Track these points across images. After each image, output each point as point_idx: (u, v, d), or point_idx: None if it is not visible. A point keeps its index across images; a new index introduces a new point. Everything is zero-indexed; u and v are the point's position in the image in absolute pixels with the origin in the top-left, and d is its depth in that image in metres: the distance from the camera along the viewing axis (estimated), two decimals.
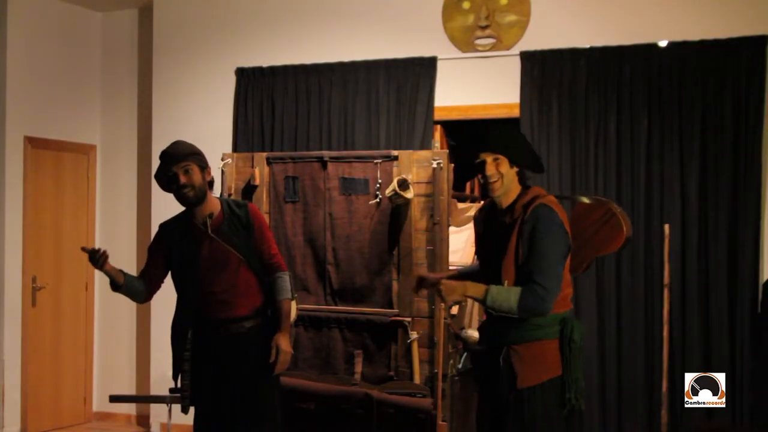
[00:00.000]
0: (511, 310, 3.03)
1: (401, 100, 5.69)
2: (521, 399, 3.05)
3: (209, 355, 3.64)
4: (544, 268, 3.02)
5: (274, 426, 3.71)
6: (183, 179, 3.57)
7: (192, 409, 3.79)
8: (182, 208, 3.73)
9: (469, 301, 4.52)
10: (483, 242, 3.31)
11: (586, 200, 3.45)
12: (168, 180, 3.62)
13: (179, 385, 3.73)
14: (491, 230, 3.24)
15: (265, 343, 3.63)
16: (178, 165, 3.59)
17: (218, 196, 3.86)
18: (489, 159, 3.11)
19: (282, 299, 3.66)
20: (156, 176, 3.70)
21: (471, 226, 4.86)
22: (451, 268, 4.32)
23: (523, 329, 3.08)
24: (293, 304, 3.92)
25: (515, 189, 3.18)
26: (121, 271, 3.73)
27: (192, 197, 3.61)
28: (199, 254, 3.61)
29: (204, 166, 3.67)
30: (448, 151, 4.38)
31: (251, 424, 3.64)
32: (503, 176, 3.12)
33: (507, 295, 3.03)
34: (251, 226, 3.65)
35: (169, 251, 3.70)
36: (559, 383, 3.07)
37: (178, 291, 3.75)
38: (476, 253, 3.35)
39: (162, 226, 3.80)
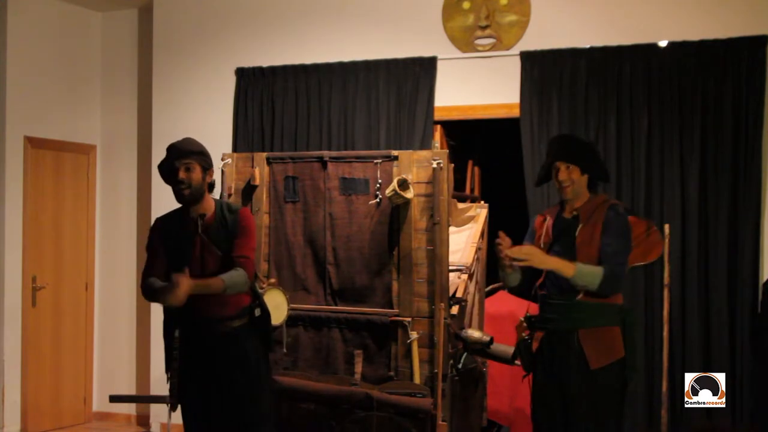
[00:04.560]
0: (593, 284, 3.53)
1: (401, 100, 5.69)
2: (592, 379, 3.52)
3: (197, 354, 3.65)
4: (619, 254, 3.58)
5: (268, 428, 3.71)
6: (182, 175, 3.60)
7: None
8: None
9: (469, 301, 4.53)
10: (551, 238, 3.77)
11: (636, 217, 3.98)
12: (169, 172, 3.65)
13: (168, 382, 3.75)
14: (557, 228, 3.76)
15: (251, 343, 3.69)
16: (181, 160, 3.62)
17: (217, 198, 3.88)
18: (563, 167, 3.69)
19: (221, 277, 3.54)
20: (159, 166, 3.72)
21: (471, 226, 4.87)
22: (451, 268, 4.32)
23: (589, 315, 3.58)
24: (277, 294, 4.06)
25: (584, 195, 3.72)
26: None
27: (187, 195, 3.63)
28: (190, 252, 3.63)
29: (207, 167, 3.69)
30: (448, 151, 4.38)
31: (241, 426, 3.64)
32: (574, 182, 3.68)
33: (591, 270, 3.54)
34: (236, 230, 3.65)
35: (166, 246, 3.71)
36: (622, 365, 3.55)
37: None
38: (544, 247, 3.79)
39: (159, 220, 3.82)
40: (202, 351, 3.65)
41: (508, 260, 3.70)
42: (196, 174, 3.63)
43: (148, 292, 3.62)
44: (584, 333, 3.56)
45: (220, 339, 3.65)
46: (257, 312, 3.74)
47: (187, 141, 3.73)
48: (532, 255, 3.63)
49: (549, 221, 3.84)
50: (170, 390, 3.72)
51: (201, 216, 3.67)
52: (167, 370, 3.74)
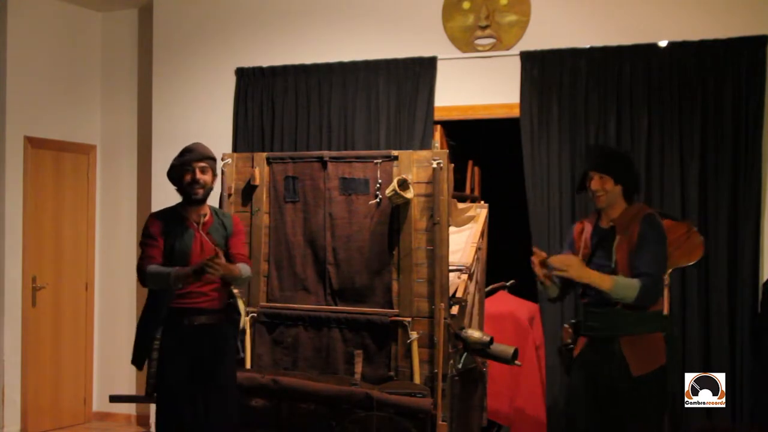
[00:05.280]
0: (630, 298, 3.57)
1: (401, 100, 5.69)
2: (634, 386, 3.57)
3: (186, 344, 3.89)
4: (655, 265, 3.61)
5: (236, 416, 4.01)
6: (200, 176, 3.92)
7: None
8: None
9: (469, 301, 4.53)
10: (590, 250, 3.81)
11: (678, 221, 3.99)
12: (184, 172, 3.91)
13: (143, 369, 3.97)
14: (595, 239, 3.79)
15: (232, 337, 4.05)
16: (198, 162, 3.93)
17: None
18: (596, 176, 3.74)
19: (238, 266, 3.92)
20: (173, 166, 3.96)
21: (471, 226, 4.86)
22: (451, 268, 4.32)
23: (632, 323, 3.63)
24: (241, 303, 4.25)
25: (620, 204, 3.75)
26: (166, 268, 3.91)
27: (201, 195, 3.96)
28: (191, 248, 3.91)
29: (215, 173, 4.05)
30: (448, 151, 4.38)
31: (221, 415, 3.90)
32: (607, 192, 3.72)
33: (628, 284, 3.57)
34: (231, 233, 4.06)
35: (165, 239, 3.93)
36: (664, 372, 3.61)
37: None
38: (583, 255, 3.84)
39: (156, 216, 4.03)
40: (192, 342, 3.89)
41: (543, 274, 3.80)
42: (209, 177, 3.97)
43: (157, 276, 3.82)
44: (626, 340, 3.62)
45: (208, 331, 3.93)
46: (239, 308, 4.15)
47: (202, 145, 4.02)
48: (570, 266, 3.67)
49: (587, 231, 3.88)
50: (148, 378, 3.94)
51: (203, 216, 3.99)
52: (141, 360, 3.96)
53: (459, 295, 4.33)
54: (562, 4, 5.44)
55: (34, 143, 6.39)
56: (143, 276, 3.90)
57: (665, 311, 3.75)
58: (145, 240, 3.96)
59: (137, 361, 4.02)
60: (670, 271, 3.85)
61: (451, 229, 4.38)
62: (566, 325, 3.94)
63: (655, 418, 3.65)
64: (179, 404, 3.87)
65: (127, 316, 6.79)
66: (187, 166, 3.92)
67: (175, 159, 3.98)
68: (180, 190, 3.99)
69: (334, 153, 4.48)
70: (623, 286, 3.59)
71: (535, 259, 3.82)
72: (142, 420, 6.69)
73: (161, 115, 6.50)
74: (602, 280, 3.62)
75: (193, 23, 6.44)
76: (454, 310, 4.22)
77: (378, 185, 4.25)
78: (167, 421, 3.93)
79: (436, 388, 4.02)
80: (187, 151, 3.97)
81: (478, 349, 4.26)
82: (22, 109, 6.31)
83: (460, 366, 4.24)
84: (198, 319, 3.91)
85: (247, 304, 4.42)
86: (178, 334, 3.89)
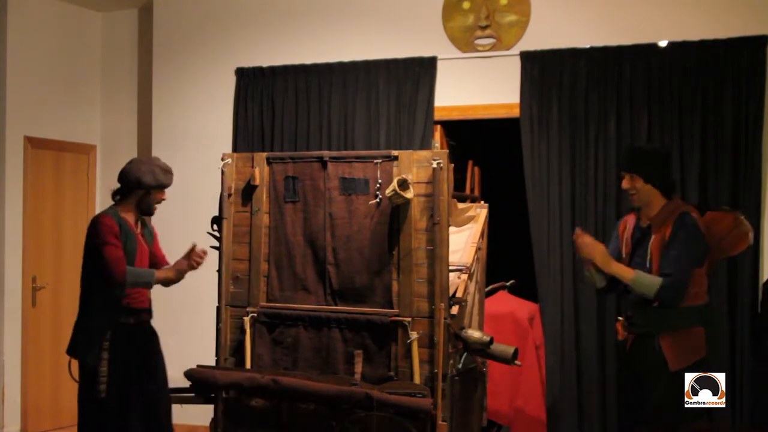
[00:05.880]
0: (649, 294, 3.68)
1: (401, 100, 5.69)
2: (671, 380, 3.67)
3: (131, 342, 4.14)
4: (681, 264, 3.66)
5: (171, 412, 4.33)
6: (164, 197, 4.28)
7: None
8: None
9: (469, 301, 4.53)
10: (630, 248, 3.90)
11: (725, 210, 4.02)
12: (156, 191, 4.20)
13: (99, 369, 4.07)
14: (635, 237, 3.87)
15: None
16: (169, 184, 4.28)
17: None
18: (627, 176, 3.81)
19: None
20: (153, 182, 4.17)
21: (471, 226, 4.86)
22: (451, 268, 4.32)
23: (670, 317, 3.70)
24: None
25: (657, 202, 3.79)
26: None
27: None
28: (136, 251, 4.20)
29: None
30: (448, 151, 4.38)
31: (162, 412, 4.24)
32: (638, 191, 3.79)
33: (650, 281, 3.67)
34: (153, 237, 4.43)
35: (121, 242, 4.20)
36: (701, 365, 3.69)
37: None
38: (624, 252, 3.96)
39: (112, 218, 4.15)
40: (139, 340, 4.19)
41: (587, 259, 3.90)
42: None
43: (137, 276, 4.09)
44: (666, 336, 3.70)
45: (146, 329, 4.29)
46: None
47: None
48: (595, 253, 3.78)
49: (629, 230, 3.95)
50: (99, 376, 4.03)
51: (143, 223, 4.33)
52: (94, 358, 4.03)
53: (459, 295, 4.33)
54: (562, 4, 5.44)
55: (34, 143, 6.39)
56: (122, 276, 4.02)
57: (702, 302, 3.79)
58: (111, 241, 4.06)
59: (91, 358, 4.05)
60: (713, 267, 3.92)
61: (451, 229, 4.37)
62: (619, 319, 4.04)
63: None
64: (127, 404, 4.07)
65: None
66: (164, 187, 4.23)
67: (162, 176, 4.19)
68: (141, 200, 4.20)
69: (334, 153, 4.48)
70: (643, 282, 3.68)
71: (577, 240, 3.90)
72: None
73: (161, 115, 6.50)
74: (624, 273, 3.73)
75: (193, 23, 6.44)
76: (454, 310, 4.22)
77: (378, 185, 4.24)
78: (114, 420, 4.07)
79: (436, 388, 4.02)
80: (168, 172, 4.24)
81: (478, 349, 4.26)
82: (22, 109, 6.31)
83: (460, 366, 4.24)
84: (141, 316, 4.22)
85: (248, 304, 4.42)
86: (127, 332, 4.12)
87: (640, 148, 4.52)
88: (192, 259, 4.19)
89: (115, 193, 4.25)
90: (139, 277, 4.10)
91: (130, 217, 4.21)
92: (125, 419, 4.07)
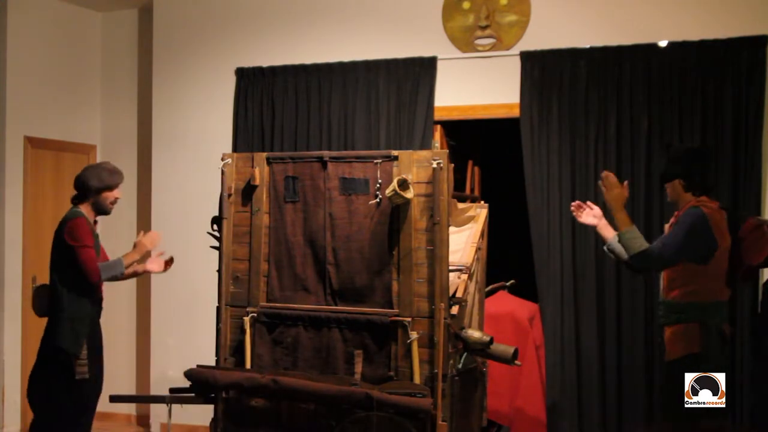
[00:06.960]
0: (628, 252, 3.88)
1: (401, 100, 5.69)
2: (669, 369, 3.90)
3: (95, 327, 4.50)
4: (668, 243, 3.81)
5: None
6: (118, 194, 4.57)
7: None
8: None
9: (469, 301, 4.53)
10: None
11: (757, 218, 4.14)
12: (110, 190, 4.48)
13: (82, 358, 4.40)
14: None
15: None
16: (119, 184, 4.56)
17: None
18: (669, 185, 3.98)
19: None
20: (107, 185, 4.46)
21: (471, 226, 4.86)
22: (451, 268, 4.32)
23: (672, 311, 3.87)
24: None
25: (684, 199, 3.92)
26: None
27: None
28: (100, 248, 4.56)
29: None
30: (448, 151, 4.38)
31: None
32: (673, 188, 3.93)
33: (636, 242, 3.84)
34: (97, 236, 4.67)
35: None
36: (693, 359, 3.80)
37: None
38: None
39: (86, 219, 4.43)
40: (98, 325, 4.56)
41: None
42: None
43: (109, 268, 4.47)
44: (669, 328, 3.90)
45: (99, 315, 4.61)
46: None
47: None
48: (612, 186, 3.91)
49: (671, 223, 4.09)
50: (80, 366, 4.36)
51: (95, 222, 4.59)
52: (78, 348, 4.33)
53: (459, 295, 4.33)
54: (562, 4, 5.45)
55: (34, 143, 6.39)
56: (98, 275, 4.36)
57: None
58: (88, 243, 4.36)
59: (75, 346, 4.34)
60: (747, 274, 4.02)
61: (451, 229, 4.37)
62: None
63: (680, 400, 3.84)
64: (96, 390, 4.59)
65: (127, 316, 6.79)
66: (116, 186, 4.52)
67: (108, 178, 4.47)
68: (95, 201, 4.47)
69: (334, 153, 4.48)
70: (631, 237, 3.85)
71: (606, 180, 3.96)
72: (142, 420, 6.68)
73: (161, 115, 6.50)
74: (622, 222, 3.89)
75: (193, 23, 6.44)
76: (454, 310, 4.22)
77: (378, 185, 4.24)
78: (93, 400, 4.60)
79: (436, 388, 4.02)
80: (114, 173, 4.53)
81: (478, 349, 4.26)
82: (22, 109, 6.31)
83: (460, 366, 4.24)
84: (101, 304, 4.57)
85: (248, 304, 4.42)
86: (95, 319, 4.50)
87: (675, 147, 4.45)
88: (147, 237, 4.62)
89: (73, 198, 4.55)
90: (111, 270, 4.48)
91: (90, 218, 4.52)
92: (96, 399, 4.62)
